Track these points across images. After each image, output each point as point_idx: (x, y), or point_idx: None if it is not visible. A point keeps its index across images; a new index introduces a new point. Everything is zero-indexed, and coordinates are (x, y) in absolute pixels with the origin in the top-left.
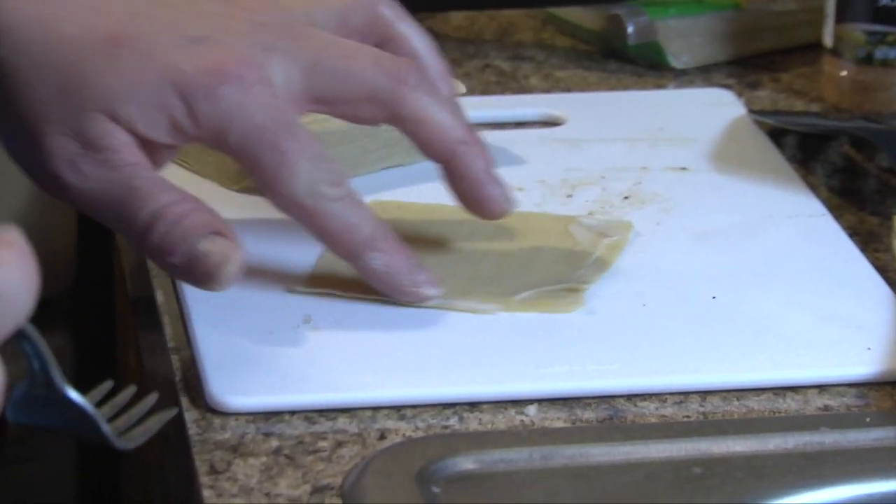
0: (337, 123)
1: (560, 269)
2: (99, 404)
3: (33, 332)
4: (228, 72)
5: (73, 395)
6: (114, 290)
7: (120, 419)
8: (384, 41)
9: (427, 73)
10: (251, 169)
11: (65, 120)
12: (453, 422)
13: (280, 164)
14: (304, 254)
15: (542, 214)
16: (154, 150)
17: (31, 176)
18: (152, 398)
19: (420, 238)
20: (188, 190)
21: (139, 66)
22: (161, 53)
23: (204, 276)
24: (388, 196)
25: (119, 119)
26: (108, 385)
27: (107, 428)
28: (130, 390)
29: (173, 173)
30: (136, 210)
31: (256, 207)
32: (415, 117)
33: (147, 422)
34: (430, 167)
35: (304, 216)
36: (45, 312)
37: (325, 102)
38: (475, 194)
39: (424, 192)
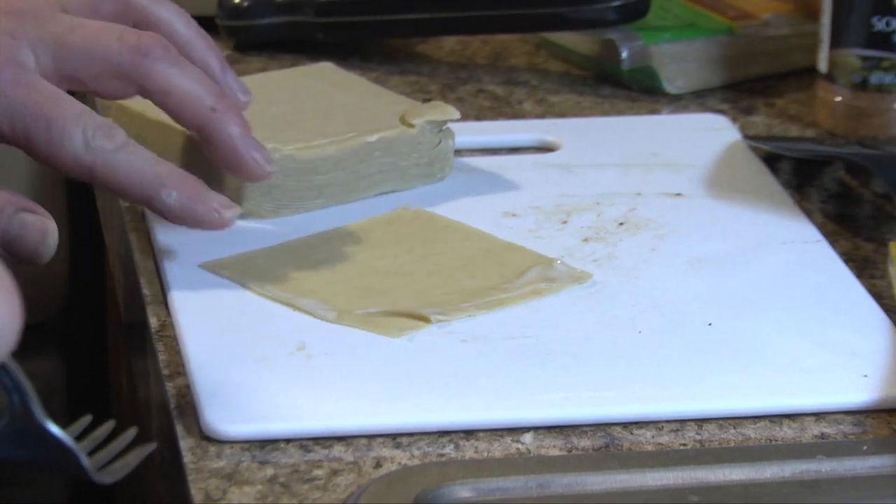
0: (330, 150)
1: (446, 297)
2: (78, 438)
3: (13, 366)
4: None
5: (54, 429)
6: (106, 315)
7: (99, 453)
8: (140, 26)
9: (171, 47)
10: (26, 146)
11: None
12: (449, 450)
13: (51, 131)
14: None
15: (523, 249)
16: None
17: None
18: (131, 433)
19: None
20: None
21: None
22: None
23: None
24: None
25: None
26: (87, 419)
27: (87, 462)
28: (109, 425)
29: None
30: None
31: (249, 234)
32: (162, 89)
33: (126, 456)
34: (425, 192)
35: (89, 173)
36: (37, 337)
37: (77, 81)
38: (233, 159)
39: None
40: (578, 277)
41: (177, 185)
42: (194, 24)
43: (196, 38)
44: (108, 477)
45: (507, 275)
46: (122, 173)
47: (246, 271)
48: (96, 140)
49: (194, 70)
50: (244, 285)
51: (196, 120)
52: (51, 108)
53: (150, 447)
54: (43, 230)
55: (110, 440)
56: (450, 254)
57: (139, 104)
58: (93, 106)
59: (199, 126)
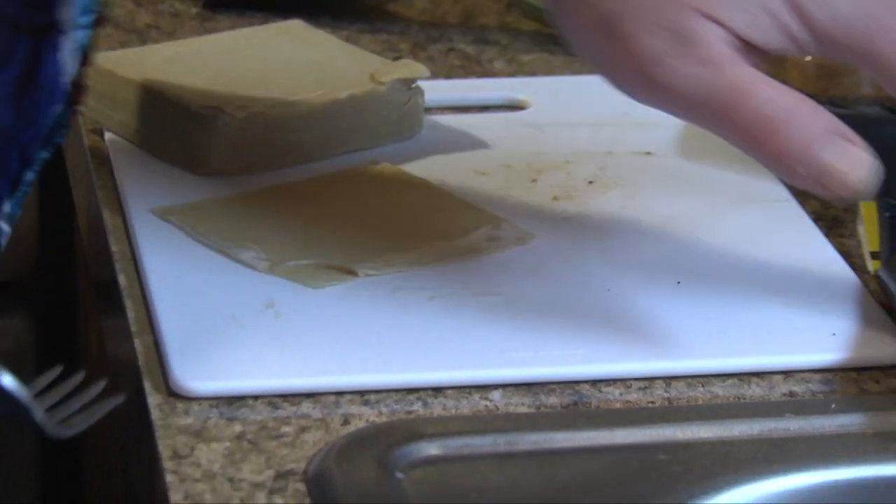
0: (300, 108)
1: (381, 251)
2: (47, 389)
3: None
4: None
5: (6, 381)
6: (76, 274)
7: (61, 407)
8: None
9: None
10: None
11: (658, 20)
12: (417, 407)
13: None
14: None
15: (471, 206)
16: (752, 56)
17: (615, 81)
18: (99, 385)
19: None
20: (149, 174)
21: None
22: None
23: (836, 188)
24: None
25: (718, 17)
26: (56, 370)
27: (41, 416)
28: (78, 377)
29: (132, 155)
30: (735, 106)
31: (218, 190)
32: None
33: (90, 409)
34: (396, 150)
35: None
36: (6, 295)
37: None
38: None
39: None
40: (522, 238)
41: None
42: None
43: None
44: (66, 430)
45: (451, 232)
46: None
47: (195, 220)
48: None
49: None
50: (189, 233)
51: None
52: None
53: (116, 400)
54: (851, 166)
55: (78, 393)
56: (400, 208)
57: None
58: None
59: None
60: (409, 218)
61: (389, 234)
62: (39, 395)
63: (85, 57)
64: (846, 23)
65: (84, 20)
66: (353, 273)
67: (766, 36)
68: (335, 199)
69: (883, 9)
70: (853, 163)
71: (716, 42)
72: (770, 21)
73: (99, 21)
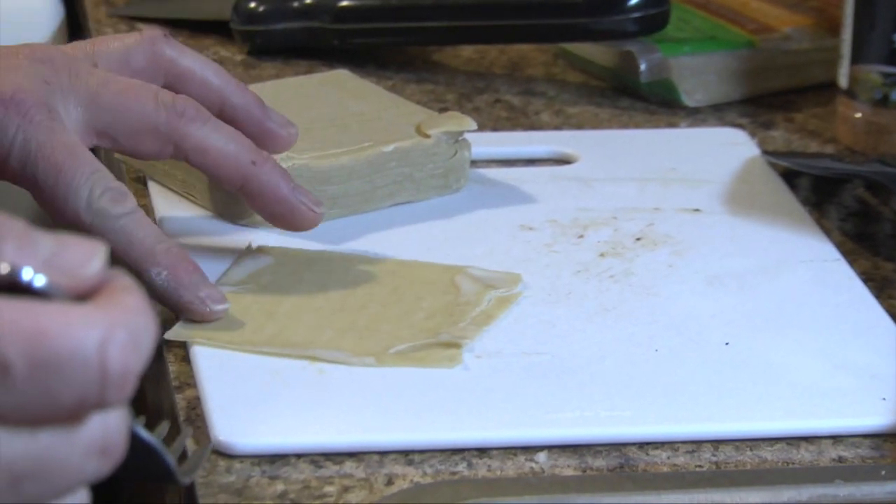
0: (344, 160)
1: (438, 323)
2: None
3: None
4: (9, 99)
5: (141, 431)
6: None
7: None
8: (171, 79)
9: (204, 108)
10: (32, 189)
11: None
12: (462, 468)
13: (58, 182)
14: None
15: (430, 264)
16: None
17: None
18: (187, 432)
19: (304, 288)
20: (190, 224)
21: None
22: None
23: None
24: (395, 232)
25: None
26: (165, 426)
27: (173, 463)
28: (164, 426)
29: (175, 205)
30: None
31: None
32: (199, 147)
33: (193, 455)
34: (441, 203)
35: (87, 231)
36: None
37: (108, 137)
38: (280, 209)
39: (433, 228)
40: (512, 280)
41: (168, 266)
42: (223, 70)
43: (229, 83)
44: (188, 477)
45: (445, 290)
46: (119, 240)
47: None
48: (101, 202)
49: (229, 128)
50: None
51: (237, 177)
52: (65, 158)
53: (209, 448)
54: None
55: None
56: (373, 284)
57: None
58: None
59: (242, 181)
60: (403, 294)
61: (412, 309)
62: None
63: None
64: None
65: None
66: (457, 346)
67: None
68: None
69: None
70: None
71: None
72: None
73: None
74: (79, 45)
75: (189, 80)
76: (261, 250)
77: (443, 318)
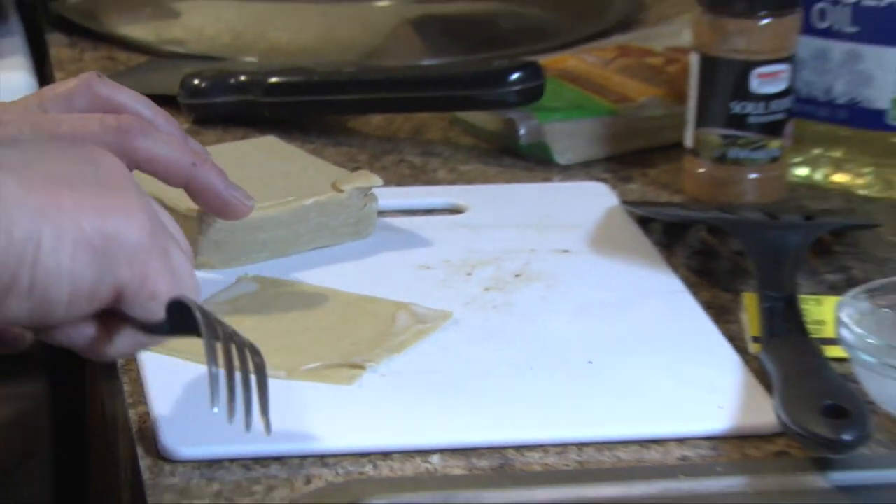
0: (272, 211)
1: (359, 348)
2: None
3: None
4: None
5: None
6: None
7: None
8: (110, 112)
9: (145, 121)
10: None
11: None
12: (368, 469)
13: None
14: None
15: (382, 300)
16: None
17: None
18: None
19: (268, 312)
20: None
21: None
22: None
23: None
24: (315, 271)
25: None
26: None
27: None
28: None
29: None
30: None
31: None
32: (147, 157)
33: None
34: (352, 247)
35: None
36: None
37: None
38: (218, 202)
39: (346, 268)
40: (443, 316)
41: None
42: (153, 104)
43: (158, 115)
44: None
45: (384, 322)
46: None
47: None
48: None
49: (168, 137)
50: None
51: (181, 177)
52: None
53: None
54: None
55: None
56: (325, 313)
57: None
58: None
59: (186, 180)
60: (340, 317)
61: (344, 333)
62: None
63: None
64: None
65: None
66: (361, 367)
67: None
68: (257, 318)
69: None
70: None
71: None
72: None
73: None
74: (28, 99)
75: (124, 112)
76: (253, 279)
77: (364, 344)
